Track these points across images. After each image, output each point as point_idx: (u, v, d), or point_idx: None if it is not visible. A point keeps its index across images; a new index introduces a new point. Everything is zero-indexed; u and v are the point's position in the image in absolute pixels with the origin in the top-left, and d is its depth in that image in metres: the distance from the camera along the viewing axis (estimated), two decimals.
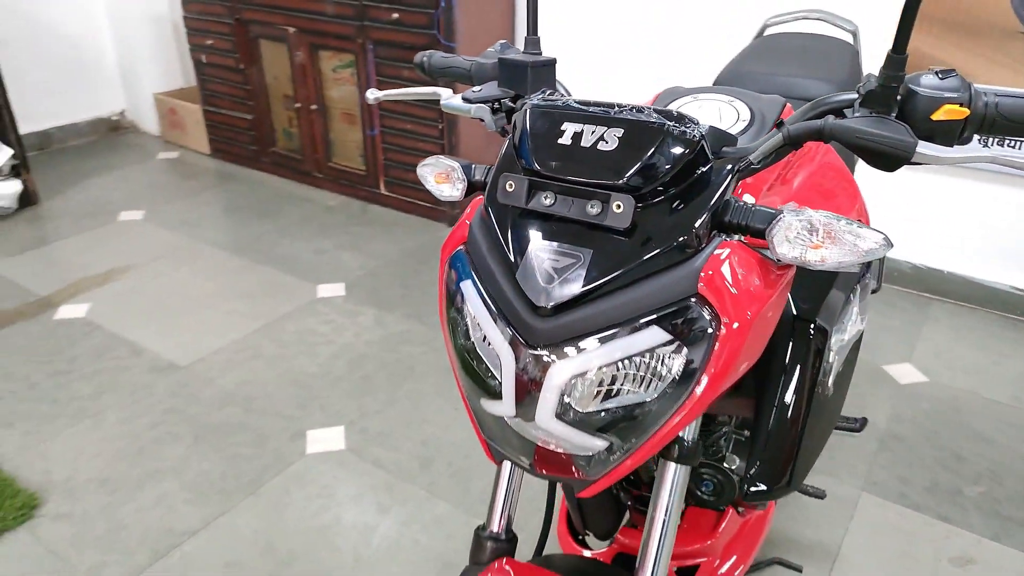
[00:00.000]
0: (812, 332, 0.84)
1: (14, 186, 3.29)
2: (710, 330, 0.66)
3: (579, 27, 3.06)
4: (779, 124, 0.76)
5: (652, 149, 0.67)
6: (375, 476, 1.88)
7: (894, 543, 1.72)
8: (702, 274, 0.67)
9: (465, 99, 0.92)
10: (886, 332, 2.51)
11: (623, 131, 0.68)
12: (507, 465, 0.91)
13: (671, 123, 0.68)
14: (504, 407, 0.71)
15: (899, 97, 0.71)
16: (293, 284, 2.77)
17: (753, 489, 0.89)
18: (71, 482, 1.86)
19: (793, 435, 0.87)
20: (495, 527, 0.90)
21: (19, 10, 3.81)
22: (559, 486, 0.81)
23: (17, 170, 3.32)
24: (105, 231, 3.19)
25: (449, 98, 0.95)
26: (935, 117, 0.70)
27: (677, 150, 0.68)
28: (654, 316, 0.66)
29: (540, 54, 0.89)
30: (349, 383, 2.22)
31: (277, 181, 3.72)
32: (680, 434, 0.78)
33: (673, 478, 0.80)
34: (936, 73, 0.72)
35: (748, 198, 0.80)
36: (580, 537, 1.33)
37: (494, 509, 0.91)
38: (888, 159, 0.69)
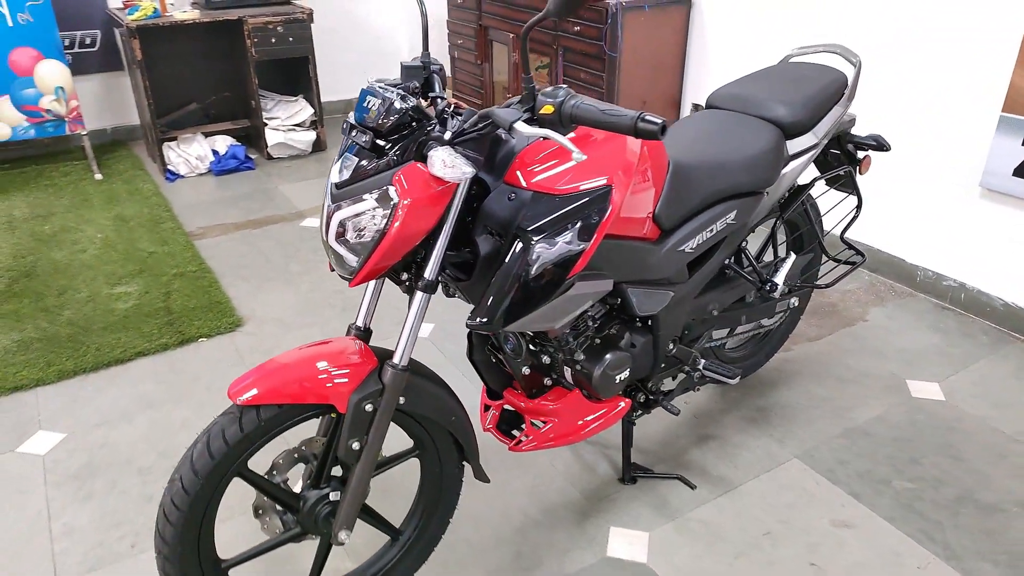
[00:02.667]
0: (524, 237, 1.39)
1: (310, 136, 4.59)
2: (394, 203, 1.28)
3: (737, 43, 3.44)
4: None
5: (385, 111, 1.31)
6: (437, 355, 2.63)
7: (791, 497, 2.02)
8: (396, 176, 1.29)
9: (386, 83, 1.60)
10: (938, 356, 2.60)
11: (380, 102, 1.33)
12: (370, 286, 1.59)
13: (395, 100, 1.31)
14: (323, 235, 1.40)
15: (535, 99, 1.27)
16: None
17: (471, 321, 1.45)
18: (263, 317, 2.89)
19: (498, 297, 1.41)
20: (359, 322, 1.58)
21: (342, 8, 5.16)
22: (407, 308, 1.45)
23: (315, 125, 4.62)
24: None
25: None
26: (541, 112, 1.25)
27: (395, 113, 1.30)
28: (372, 193, 1.30)
29: (427, 62, 1.54)
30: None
31: None
32: (425, 274, 1.40)
33: (420, 300, 1.42)
34: (554, 87, 1.26)
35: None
36: (497, 396, 1.93)
37: (359, 311, 1.59)
38: (502, 126, 1.25)
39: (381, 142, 1.32)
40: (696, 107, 3.77)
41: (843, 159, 2.21)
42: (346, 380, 1.41)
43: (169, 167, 4.30)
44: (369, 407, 1.42)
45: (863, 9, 2.92)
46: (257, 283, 3.14)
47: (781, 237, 2.34)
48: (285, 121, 4.53)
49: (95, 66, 4.62)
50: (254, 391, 1.37)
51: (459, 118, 1.41)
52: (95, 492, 2.05)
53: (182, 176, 4.31)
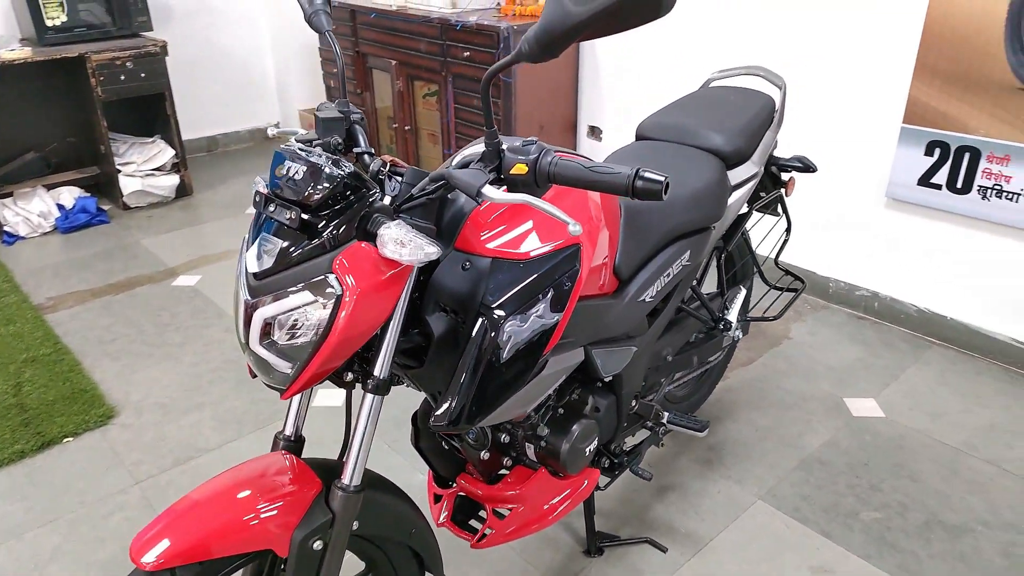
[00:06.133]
0: (491, 316, 1.17)
1: (172, 180, 4.13)
2: (337, 295, 1.02)
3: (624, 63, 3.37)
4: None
5: (313, 181, 1.05)
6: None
7: (765, 545, 1.90)
8: (337, 261, 1.03)
9: (297, 139, 1.32)
10: (866, 369, 2.59)
11: (305, 168, 1.06)
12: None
13: (327, 166, 1.05)
14: (240, 336, 1.12)
15: (500, 157, 1.05)
16: None
17: (437, 423, 1.21)
18: (141, 403, 2.48)
19: (467, 391, 1.18)
20: (287, 431, 1.30)
21: (202, 37, 4.71)
22: (356, 413, 1.18)
23: (177, 167, 4.17)
24: (235, 220, 3.93)
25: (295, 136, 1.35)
26: (511, 172, 1.04)
27: (327, 183, 1.04)
28: (306, 283, 1.04)
29: (347, 111, 1.29)
30: None
31: None
32: (376, 372, 1.14)
33: (370, 404, 1.16)
34: (523, 142, 1.04)
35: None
36: (448, 483, 1.68)
37: (288, 418, 1.31)
38: (467, 193, 1.03)
39: (308, 217, 1.05)
40: (592, 129, 3.67)
41: (770, 182, 2.13)
42: (284, 515, 1.13)
43: (6, 228, 3.72)
44: (318, 544, 1.14)
45: (756, 28, 2.90)
46: (128, 361, 2.72)
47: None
48: (142, 166, 4.05)
49: None
50: (165, 545, 1.06)
51: (398, 179, 1.17)
52: None
53: (23, 238, 3.74)
